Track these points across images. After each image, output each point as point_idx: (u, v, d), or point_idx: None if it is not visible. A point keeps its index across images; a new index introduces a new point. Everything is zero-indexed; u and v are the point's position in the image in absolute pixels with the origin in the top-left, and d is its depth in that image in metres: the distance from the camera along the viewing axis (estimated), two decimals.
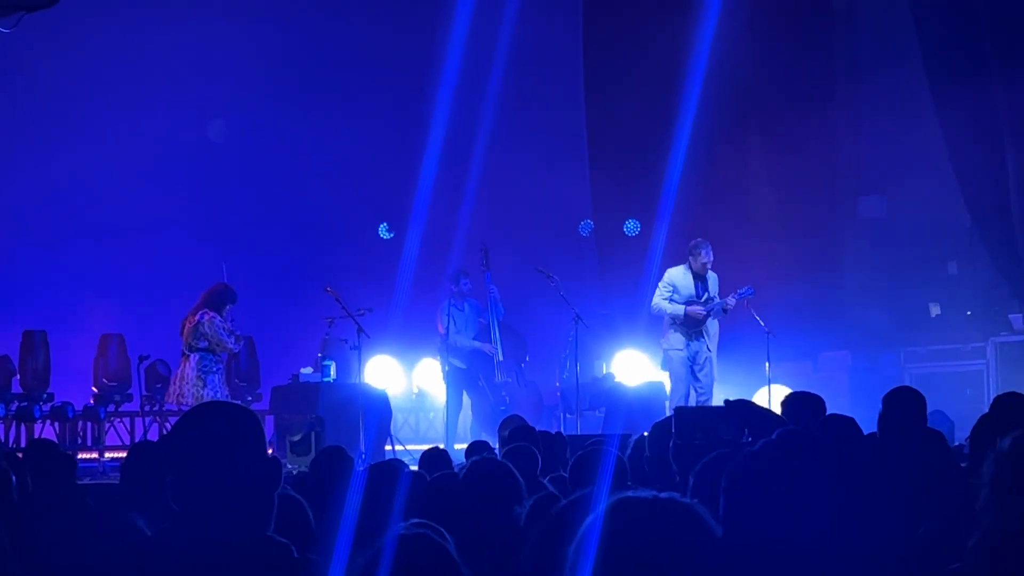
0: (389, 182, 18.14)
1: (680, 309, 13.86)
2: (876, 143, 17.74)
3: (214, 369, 12.91)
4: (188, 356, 12.89)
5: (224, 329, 12.85)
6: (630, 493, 2.77)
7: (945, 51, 16.30)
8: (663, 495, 2.77)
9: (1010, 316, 15.78)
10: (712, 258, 13.99)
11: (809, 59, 17.98)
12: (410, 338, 17.44)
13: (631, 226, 18.62)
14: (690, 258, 14.04)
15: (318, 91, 18.39)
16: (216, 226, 17.85)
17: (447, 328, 15.22)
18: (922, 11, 16.67)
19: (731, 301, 13.89)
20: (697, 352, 13.90)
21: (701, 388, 13.82)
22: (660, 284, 14.10)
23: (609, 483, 5.79)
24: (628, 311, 17.33)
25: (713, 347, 14.02)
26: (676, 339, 13.93)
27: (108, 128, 17.12)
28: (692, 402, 13.61)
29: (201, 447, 3.25)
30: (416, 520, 3.48)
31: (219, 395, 12.88)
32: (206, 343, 12.81)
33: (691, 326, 13.89)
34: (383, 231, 18.93)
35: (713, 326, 14.07)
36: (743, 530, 2.98)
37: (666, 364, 14.20)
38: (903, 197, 17.58)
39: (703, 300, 13.89)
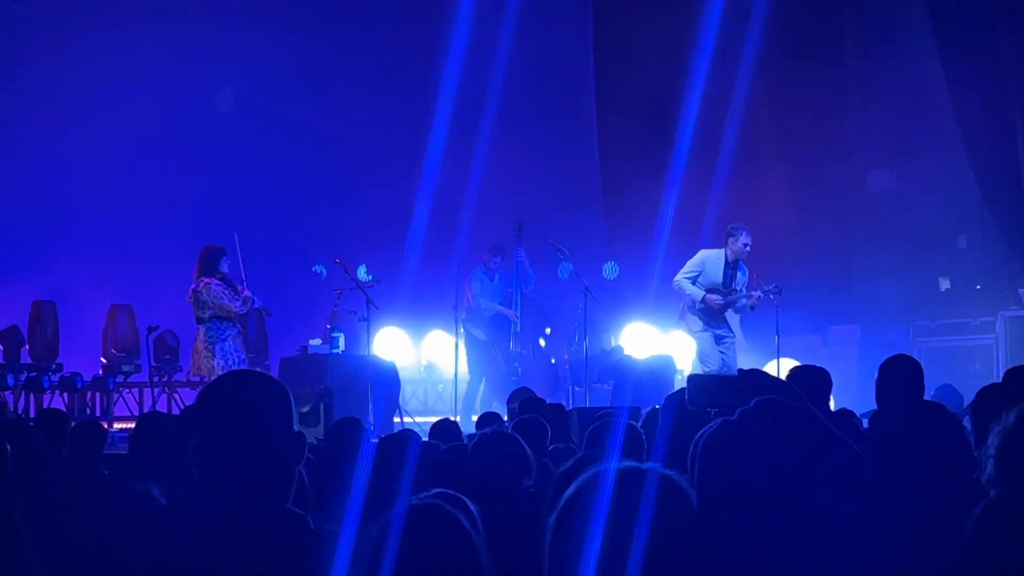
0: (400, 153, 18.11)
1: (699, 294, 13.54)
2: (886, 117, 17.70)
3: (222, 337, 12.85)
4: (199, 328, 12.91)
5: (225, 293, 12.83)
6: (614, 464, 2.77)
7: (956, 24, 16.25)
8: (644, 465, 2.77)
9: (1020, 290, 15.75)
10: (750, 242, 13.58)
11: (819, 32, 17.93)
12: (419, 310, 17.44)
13: (607, 269, 18.41)
14: (729, 240, 13.63)
15: (328, 61, 18.33)
16: (225, 197, 17.83)
17: (474, 293, 15.34)
18: None
19: (757, 295, 13.57)
20: (721, 332, 13.68)
21: (726, 369, 13.41)
22: (690, 261, 13.80)
23: (619, 453, 5.80)
24: (637, 284, 17.33)
25: (736, 332, 13.86)
26: (695, 322, 13.69)
27: (117, 99, 17.10)
28: None
29: (229, 414, 3.24)
30: (438, 490, 3.49)
31: (232, 363, 12.81)
32: (210, 311, 12.80)
33: (710, 314, 13.64)
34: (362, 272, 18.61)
35: (732, 316, 13.89)
36: (716, 498, 2.98)
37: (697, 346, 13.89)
38: (913, 171, 17.56)
39: (727, 291, 13.65)
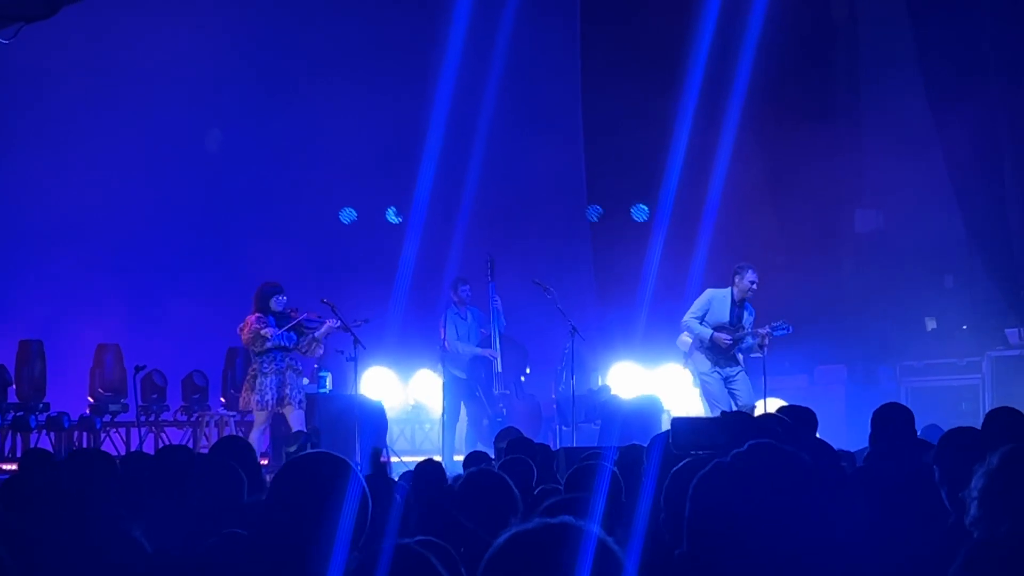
0: (387, 189, 18.15)
1: (707, 332, 13.50)
2: (874, 156, 17.76)
3: (264, 371, 13.11)
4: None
5: (257, 321, 13.02)
6: (521, 526, 2.70)
7: (945, 65, 16.34)
8: (554, 520, 2.68)
9: (1006, 331, 15.78)
10: (757, 280, 13.58)
11: (809, 72, 18.01)
12: (407, 349, 17.41)
13: (636, 211, 18.63)
14: (736, 278, 13.61)
15: (313, 98, 18.34)
16: (212, 235, 17.84)
17: (448, 336, 15.21)
18: (922, 25, 16.71)
19: (765, 332, 13.43)
20: (729, 372, 13.60)
21: (741, 403, 13.35)
22: (696, 301, 13.75)
23: (605, 495, 5.79)
24: (624, 323, 17.34)
25: (743, 366, 13.77)
26: (703, 362, 13.60)
27: (105, 137, 17.09)
28: None
29: (300, 498, 3.32)
30: (420, 538, 3.49)
31: (268, 397, 13.07)
32: (256, 347, 13.09)
33: (718, 352, 13.56)
34: (391, 215, 19.01)
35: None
36: (707, 540, 2.97)
37: (701, 390, 13.80)
38: (900, 211, 17.60)
39: (735, 329, 13.57)
